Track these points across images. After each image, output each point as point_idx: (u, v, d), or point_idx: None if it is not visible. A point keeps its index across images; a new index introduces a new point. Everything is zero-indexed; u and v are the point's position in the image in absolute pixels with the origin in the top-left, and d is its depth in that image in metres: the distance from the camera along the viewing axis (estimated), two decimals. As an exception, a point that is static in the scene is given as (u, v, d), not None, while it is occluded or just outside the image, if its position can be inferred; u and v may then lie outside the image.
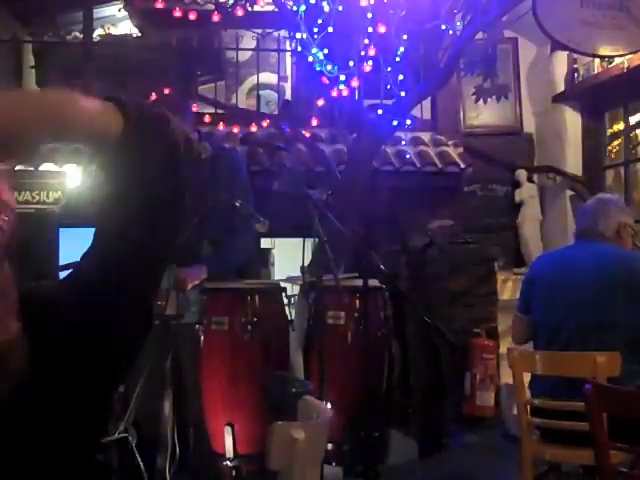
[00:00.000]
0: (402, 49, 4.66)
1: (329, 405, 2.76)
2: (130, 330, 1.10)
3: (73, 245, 3.06)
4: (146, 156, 1.02)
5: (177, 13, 5.11)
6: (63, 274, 1.19)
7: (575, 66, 6.17)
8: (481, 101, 6.61)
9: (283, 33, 5.84)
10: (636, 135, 6.19)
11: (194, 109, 5.76)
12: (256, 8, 5.19)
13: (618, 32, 5.30)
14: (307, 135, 5.37)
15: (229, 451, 3.06)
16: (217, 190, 3.17)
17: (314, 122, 5.50)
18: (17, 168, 4.97)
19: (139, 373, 2.95)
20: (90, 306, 1.05)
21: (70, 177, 5.57)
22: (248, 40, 6.32)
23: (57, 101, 0.95)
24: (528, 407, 2.82)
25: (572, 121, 6.29)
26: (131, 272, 1.06)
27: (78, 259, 1.10)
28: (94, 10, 6.36)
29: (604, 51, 5.40)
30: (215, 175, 3.20)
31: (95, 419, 1.13)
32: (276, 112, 6.35)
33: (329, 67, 4.57)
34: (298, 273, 3.46)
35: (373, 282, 3.24)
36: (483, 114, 6.62)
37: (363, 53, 4.69)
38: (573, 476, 3.04)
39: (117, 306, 1.07)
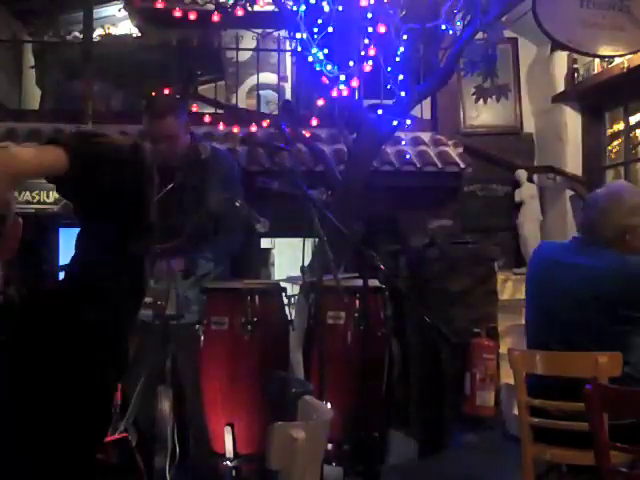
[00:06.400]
0: (402, 49, 4.66)
1: (329, 405, 2.76)
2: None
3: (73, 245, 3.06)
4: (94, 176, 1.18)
5: (177, 13, 5.11)
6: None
7: (575, 66, 6.17)
8: (481, 101, 6.61)
9: (283, 33, 5.84)
10: (636, 135, 6.19)
11: (194, 109, 5.77)
12: (256, 8, 5.18)
13: (618, 32, 5.29)
14: (307, 135, 5.36)
15: (229, 451, 3.06)
16: (215, 191, 3.18)
17: (314, 122, 5.49)
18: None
19: (139, 373, 2.96)
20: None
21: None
22: (248, 40, 6.32)
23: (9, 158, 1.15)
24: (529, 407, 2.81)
25: (572, 121, 6.29)
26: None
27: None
28: (94, 10, 6.35)
29: (604, 51, 5.40)
30: (210, 176, 3.21)
31: (96, 416, 1.14)
32: (276, 112, 6.34)
33: (329, 67, 4.56)
34: (298, 273, 3.47)
35: (373, 282, 3.24)
36: (483, 114, 6.62)
37: (363, 53, 4.68)
38: (573, 476, 3.04)
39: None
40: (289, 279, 4.18)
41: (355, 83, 4.70)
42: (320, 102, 5.17)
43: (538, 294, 2.96)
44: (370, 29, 4.60)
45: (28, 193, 5.44)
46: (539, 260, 3.05)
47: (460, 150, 5.95)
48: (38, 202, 5.45)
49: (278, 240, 6.05)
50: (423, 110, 6.10)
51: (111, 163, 1.18)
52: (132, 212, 1.22)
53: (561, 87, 6.30)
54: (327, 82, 4.61)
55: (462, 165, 5.78)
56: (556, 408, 2.69)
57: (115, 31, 7.41)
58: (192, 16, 5.04)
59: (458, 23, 4.64)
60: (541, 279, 2.96)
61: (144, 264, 1.26)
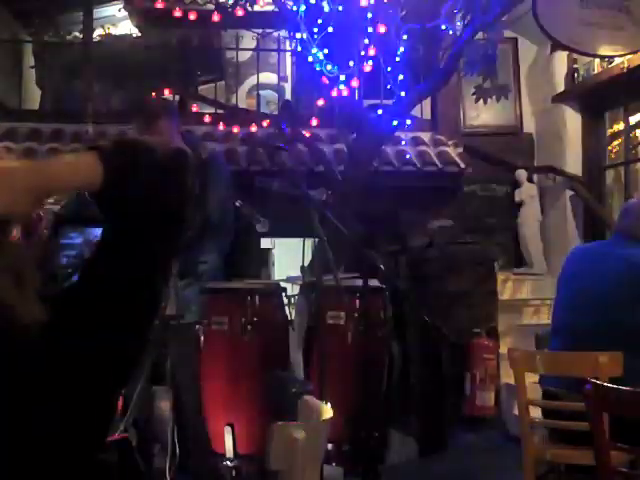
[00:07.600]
0: (402, 49, 4.66)
1: (329, 405, 2.76)
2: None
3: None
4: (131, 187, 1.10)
5: (177, 13, 5.11)
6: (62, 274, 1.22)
7: (575, 66, 6.17)
8: (481, 101, 6.61)
9: (283, 33, 5.84)
10: (636, 135, 6.19)
11: (194, 109, 5.77)
12: (256, 8, 5.19)
13: (618, 32, 5.29)
14: (307, 135, 5.36)
15: (229, 451, 3.06)
16: (216, 191, 3.18)
17: (314, 122, 5.49)
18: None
19: (139, 373, 2.95)
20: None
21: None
22: (248, 40, 6.32)
23: (45, 172, 1.08)
24: (529, 407, 2.81)
25: (572, 121, 6.29)
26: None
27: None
28: (94, 10, 6.35)
29: (604, 51, 5.39)
30: (211, 176, 3.22)
31: (97, 419, 1.13)
32: (276, 112, 6.34)
33: (329, 67, 4.56)
34: (298, 273, 3.47)
35: (373, 282, 3.24)
36: (483, 114, 6.62)
37: (363, 53, 4.69)
38: (573, 476, 3.04)
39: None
40: (289, 279, 4.18)
41: (355, 83, 4.70)
42: (320, 102, 5.17)
43: (580, 279, 3.04)
44: (370, 29, 4.61)
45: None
46: (583, 253, 3.21)
47: (460, 150, 5.95)
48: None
49: (278, 240, 6.05)
50: (423, 110, 6.10)
51: (152, 171, 1.10)
52: (168, 230, 1.13)
53: (561, 87, 6.30)
54: (327, 82, 4.61)
55: (462, 165, 5.78)
56: (557, 408, 2.69)
57: (115, 31, 7.41)
58: (192, 16, 5.05)
59: (458, 23, 4.64)
60: (586, 265, 3.07)
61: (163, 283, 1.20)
